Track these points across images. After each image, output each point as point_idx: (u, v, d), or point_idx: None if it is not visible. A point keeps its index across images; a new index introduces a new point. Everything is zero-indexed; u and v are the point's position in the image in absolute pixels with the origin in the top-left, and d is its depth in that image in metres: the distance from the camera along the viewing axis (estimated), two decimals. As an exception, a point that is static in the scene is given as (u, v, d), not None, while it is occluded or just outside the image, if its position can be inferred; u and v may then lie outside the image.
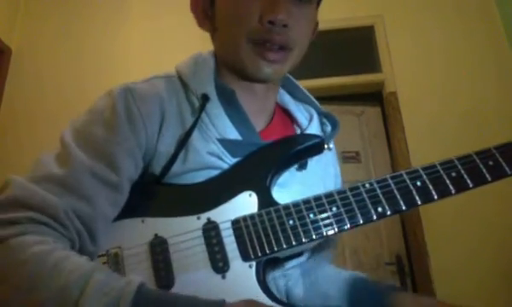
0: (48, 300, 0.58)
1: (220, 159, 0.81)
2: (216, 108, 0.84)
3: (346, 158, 2.98)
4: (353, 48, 3.39)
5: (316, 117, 0.97)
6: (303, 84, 1.01)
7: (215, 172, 0.81)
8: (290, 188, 0.85)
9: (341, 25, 3.20)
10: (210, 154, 0.81)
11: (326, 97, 2.98)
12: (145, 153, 0.78)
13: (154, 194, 0.80)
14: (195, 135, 0.81)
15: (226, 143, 0.82)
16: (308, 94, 1.01)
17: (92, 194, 0.70)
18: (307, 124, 0.94)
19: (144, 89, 0.82)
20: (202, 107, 0.83)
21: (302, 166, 0.89)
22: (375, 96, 3.30)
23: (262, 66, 0.82)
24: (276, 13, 0.79)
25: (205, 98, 0.83)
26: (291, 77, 1.01)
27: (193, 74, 0.87)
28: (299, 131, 0.95)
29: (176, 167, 0.79)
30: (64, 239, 0.67)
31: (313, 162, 0.91)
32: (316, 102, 0.99)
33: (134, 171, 0.77)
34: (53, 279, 0.59)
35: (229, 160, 0.81)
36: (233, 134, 0.83)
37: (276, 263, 0.81)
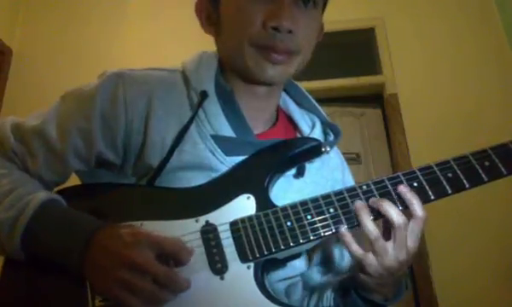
0: None
1: (213, 155, 0.82)
2: (213, 106, 0.85)
3: (347, 159, 2.96)
4: (354, 50, 3.39)
5: (319, 126, 0.96)
6: (304, 86, 1.01)
7: (209, 172, 0.82)
8: (286, 195, 0.84)
9: (342, 27, 3.20)
10: (205, 150, 0.82)
11: (327, 99, 2.99)
12: (126, 135, 0.82)
13: (153, 197, 0.81)
14: (192, 129, 0.83)
15: (219, 140, 0.83)
16: (315, 103, 1.00)
17: (36, 152, 0.82)
18: (309, 132, 0.94)
19: (137, 75, 0.86)
20: (200, 104, 0.84)
21: (299, 174, 0.88)
22: (375, 98, 3.30)
23: (266, 68, 0.82)
24: (280, 19, 0.78)
25: (203, 95, 0.84)
26: (300, 85, 1.01)
27: (195, 70, 0.88)
28: None
29: (173, 159, 0.80)
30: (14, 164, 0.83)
31: (313, 170, 0.91)
32: (321, 112, 0.99)
33: (85, 150, 0.83)
34: None
35: (221, 158, 0.82)
36: (228, 132, 0.84)
37: (274, 264, 0.81)
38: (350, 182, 1.00)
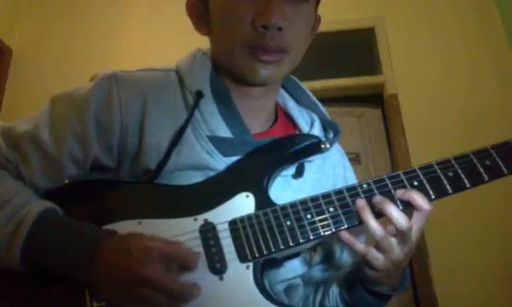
0: None
1: (211, 156, 0.81)
2: (209, 106, 0.84)
3: (347, 159, 2.98)
4: (354, 50, 3.38)
5: (318, 123, 0.95)
6: (303, 86, 1.00)
7: (207, 172, 0.81)
8: (285, 196, 0.83)
9: (342, 27, 3.20)
10: (201, 151, 0.81)
11: (326, 99, 2.96)
12: (122, 138, 0.81)
13: (151, 195, 0.80)
14: (189, 130, 0.82)
15: (216, 141, 0.82)
16: (315, 100, 0.99)
17: (29, 158, 0.79)
18: (308, 130, 0.93)
19: (131, 77, 0.85)
20: (195, 104, 0.82)
21: (298, 174, 0.88)
22: (375, 98, 3.29)
23: (259, 69, 0.80)
24: (269, 16, 0.75)
25: (199, 95, 0.83)
26: (301, 83, 1.00)
27: (189, 70, 0.87)
28: None
29: (170, 162, 0.79)
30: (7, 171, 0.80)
31: (313, 168, 0.91)
32: (321, 109, 0.98)
33: (81, 155, 0.80)
34: None
35: (219, 159, 0.81)
36: (225, 132, 0.83)
37: (274, 264, 0.81)
38: (352, 178, 0.99)
